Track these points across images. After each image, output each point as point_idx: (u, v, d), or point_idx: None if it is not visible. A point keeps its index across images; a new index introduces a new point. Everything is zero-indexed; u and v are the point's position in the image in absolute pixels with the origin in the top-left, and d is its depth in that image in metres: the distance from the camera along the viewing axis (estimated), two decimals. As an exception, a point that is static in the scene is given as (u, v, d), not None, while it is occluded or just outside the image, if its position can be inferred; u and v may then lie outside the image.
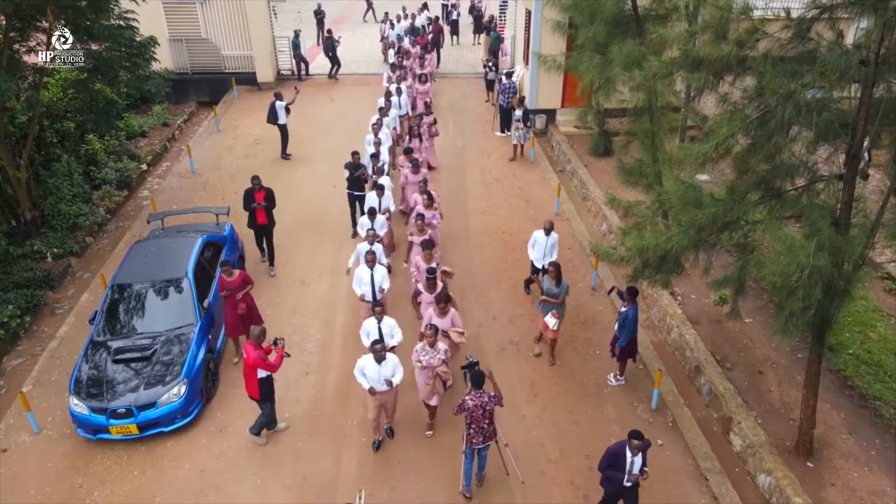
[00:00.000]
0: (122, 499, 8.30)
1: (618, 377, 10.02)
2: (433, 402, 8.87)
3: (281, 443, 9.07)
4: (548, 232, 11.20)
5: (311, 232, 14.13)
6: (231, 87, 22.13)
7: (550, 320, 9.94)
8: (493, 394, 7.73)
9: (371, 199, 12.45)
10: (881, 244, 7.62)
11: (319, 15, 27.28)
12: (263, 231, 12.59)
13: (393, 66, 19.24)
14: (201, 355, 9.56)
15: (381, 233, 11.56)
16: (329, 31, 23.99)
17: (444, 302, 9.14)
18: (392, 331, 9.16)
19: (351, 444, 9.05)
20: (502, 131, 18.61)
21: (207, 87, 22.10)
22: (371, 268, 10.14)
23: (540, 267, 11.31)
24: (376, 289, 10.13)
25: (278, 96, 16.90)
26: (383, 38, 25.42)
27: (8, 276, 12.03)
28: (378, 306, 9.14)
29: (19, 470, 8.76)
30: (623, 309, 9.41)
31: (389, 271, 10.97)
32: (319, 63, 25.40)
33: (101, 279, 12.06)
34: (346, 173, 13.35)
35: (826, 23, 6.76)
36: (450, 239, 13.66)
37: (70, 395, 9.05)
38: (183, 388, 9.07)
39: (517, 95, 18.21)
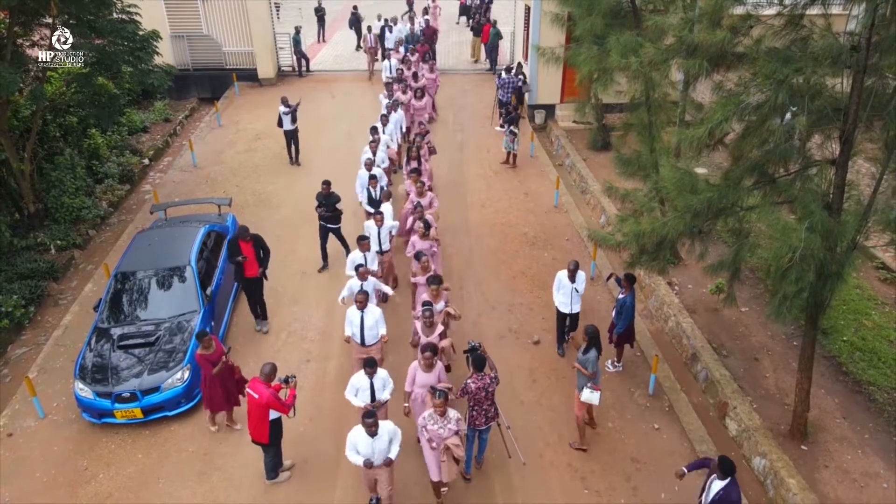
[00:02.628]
0: (126, 481, 8.43)
1: (615, 364, 10.15)
2: (447, 478, 7.61)
3: (284, 427, 9.17)
4: (573, 273, 9.72)
5: (311, 224, 14.14)
6: (232, 83, 22.25)
7: (591, 396, 8.33)
8: (493, 375, 7.86)
9: (370, 227, 11.13)
10: (874, 231, 7.76)
11: (320, 12, 27.37)
12: (253, 285, 10.76)
13: (388, 86, 17.47)
14: (204, 342, 9.68)
15: (374, 268, 10.39)
16: (355, 8, 25.78)
17: (430, 351, 7.92)
18: (385, 384, 8.13)
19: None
20: (501, 126, 18.71)
21: (209, 83, 22.22)
22: (361, 310, 8.94)
23: (566, 313, 10.04)
24: (366, 335, 9.02)
25: (284, 101, 16.19)
26: (367, 47, 23.08)
27: (12, 268, 12.16)
28: (370, 367, 7.89)
29: (25, 454, 8.90)
30: (621, 296, 9.54)
31: (386, 300, 10.01)
32: (321, 59, 25.56)
33: (105, 269, 12.19)
34: (316, 203, 12.18)
35: (819, 10, 6.91)
36: (450, 231, 13.80)
37: (75, 379, 9.19)
38: (186, 374, 9.20)
39: (516, 91, 18.40)
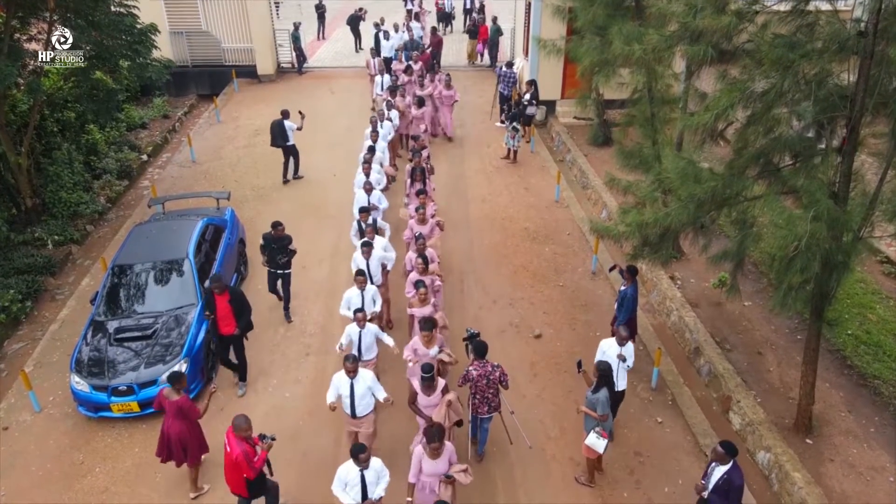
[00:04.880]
0: (123, 475, 8.33)
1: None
2: None
3: (282, 420, 9.11)
4: (623, 342, 8.15)
5: (311, 218, 14.20)
6: (231, 79, 22.16)
7: (596, 442, 7.54)
8: (496, 364, 7.81)
9: (359, 260, 9.98)
10: (879, 224, 7.67)
11: (320, 9, 27.29)
12: (230, 344, 9.41)
13: (382, 113, 15.17)
14: (202, 335, 9.59)
15: (376, 309, 9.32)
16: (360, 9, 25.66)
17: (437, 440, 6.55)
18: (379, 476, 6.80)
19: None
20: (502, 121, 18.61)
21: (208, 79, 22.12)
22: (351, 377, 7.59)
23: (617, 391, 8.23)
24: (357, 405, 7.70)
25: (285, 115, 15.10)
26: (371, 74, 19.51)
27: (9, 262, 12.08)
28: (362, 453, 6.55)
29: (20, 448, 8.80)
30: (622, 288, 9.45)
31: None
32: (320, 56, 25.52)
33: (102, 263, 12.08)
34: (262, 244, 10.81)
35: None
36: (450, 225, 13.68)
37: (71, 373, 9.09)
38: (184, 367, 9.08)
39: (517, 86, 18.29)
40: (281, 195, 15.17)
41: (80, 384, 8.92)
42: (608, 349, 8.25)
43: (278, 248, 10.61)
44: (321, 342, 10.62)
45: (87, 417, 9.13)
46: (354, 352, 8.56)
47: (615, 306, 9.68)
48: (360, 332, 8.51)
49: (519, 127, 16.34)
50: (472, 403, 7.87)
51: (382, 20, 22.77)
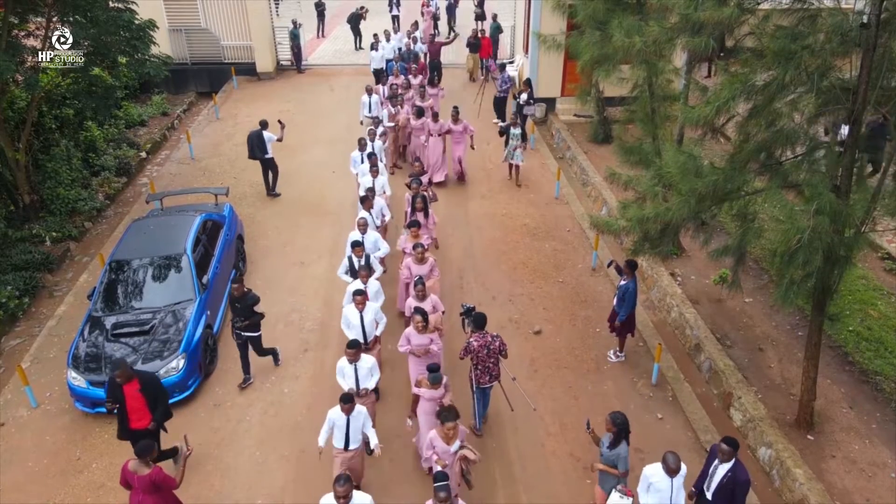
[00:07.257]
0: (119, 471, 8.22)
1: (618, 353, 10.00)
2: None
3: (280, 416, 9.06)
4: (674, 473, 6.37)
5: (310, 214, 14.16)
6: (230, 77, 22.10)
7: (619, 502, 6.70)
8: (495, 334, 7.97)
9: (351, 315, 8.67)
10: (880, 220, 7.62)
11: (320, 7, 27.22)
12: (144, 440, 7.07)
13: (371, 155, 12.89)
14: (200, 330, 9.53)
15: (371, 385, 7.98)
16: (361, 8, 25.29)
17: None
18: None
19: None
20: (502, 120, 18.54)
21: (207, 77, 22.05)
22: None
23: None
24: None
25: (263, 125, 14.40)
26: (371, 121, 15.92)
27: (6, 259, 12.02)
28: None
29: (17, 444, 8.75)
30: (622, 283, 9.40)
31: (371, 452, 7.54)
32: (320, 54, 25.47)
33: (100, 259, 12.02)
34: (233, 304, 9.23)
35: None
36: (450, 222, 13.67)
37: (68, 368, 9.04)
38: (181, 362, 9.04)
39: (514, 86, 18.18)
40: (280, 190, 15.11)
41: (77, 380, 8.87)
42: (656, 481, 6.49)
43: (241, 307, 9.05)
44: (319, 338, 10.57)
45: (84, 413, 9.07)
46: (340, 438, 7.34)
47: (614, 302, 9.63)
48: (348, 418, 7.19)
49: (525, 139, 15.43)
50: (474, 374, 8.04)
51: (379, 36, 21.08)
